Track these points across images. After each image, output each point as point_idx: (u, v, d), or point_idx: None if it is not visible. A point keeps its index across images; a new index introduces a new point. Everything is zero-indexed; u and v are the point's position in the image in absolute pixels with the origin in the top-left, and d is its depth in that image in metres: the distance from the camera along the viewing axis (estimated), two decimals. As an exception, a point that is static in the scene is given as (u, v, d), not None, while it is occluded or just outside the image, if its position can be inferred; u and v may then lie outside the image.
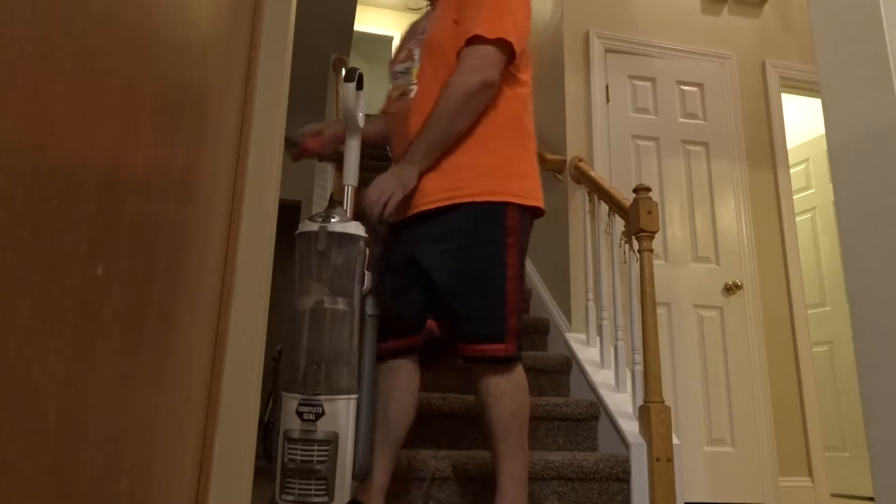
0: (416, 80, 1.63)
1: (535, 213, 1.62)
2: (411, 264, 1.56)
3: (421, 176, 1.56)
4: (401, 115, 1.65)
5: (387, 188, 1.51)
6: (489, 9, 1.56)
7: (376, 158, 4.24)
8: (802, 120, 4.29)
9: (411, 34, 1.78)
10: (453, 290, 1.52)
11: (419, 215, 1.57)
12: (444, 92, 1.53)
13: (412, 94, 1.62)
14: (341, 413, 1.28)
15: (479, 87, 1.53)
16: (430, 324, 1.61)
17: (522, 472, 1.54)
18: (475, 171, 1.55)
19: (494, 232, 1.53)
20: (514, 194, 1.56)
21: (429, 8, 1.80)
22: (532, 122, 1.68)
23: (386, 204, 1.50)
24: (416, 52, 1.67)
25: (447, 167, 1.56)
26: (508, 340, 1.52)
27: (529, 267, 3.45)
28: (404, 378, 1.61)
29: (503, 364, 1.53)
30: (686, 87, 3.31)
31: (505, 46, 1.55)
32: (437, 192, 1.55)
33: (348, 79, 1.49)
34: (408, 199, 1.57)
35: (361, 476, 1.32)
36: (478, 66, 1.53)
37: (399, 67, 1.73)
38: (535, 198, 1.60)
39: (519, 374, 1.56)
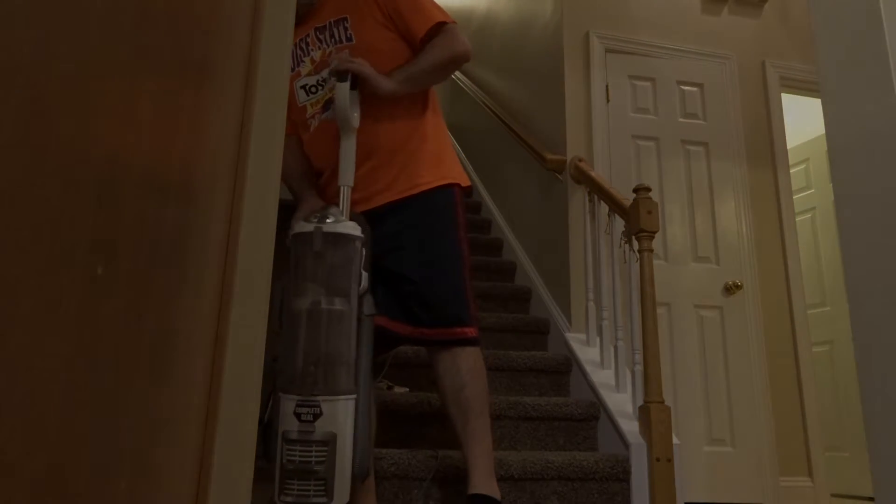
0: None
1: (466, 192, 1.80)
2: None
3: (375, 175, 1.65)
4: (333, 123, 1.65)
5: (363, 65, 1.55)
6: (430, 6, 1.69)
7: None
8: (802, 120, 4.28)
9: (303, 46, 1.75)
10: (428, 278, 1.62)
11: (376, 211, 1.63)
12: (436, 46, 1.65)
13: None
14: (339, 413, 1.28)
15: (465, 54, 1.68)
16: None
17: (491, 448, 1.66)
18: (424, 162, 1.69)
19: (450, 220, 1.68)
20: (456, 178, 1.74)
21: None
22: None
23: (353, 68, 1.54)
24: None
25: (398, 163, 1.66)
26: (474, 324, 1.65)
27: (530, 267, 3.45)
28: None
29: (475, 346, 1.65)
30: (686, 87, 3.31)
31: None
32: (393, 186, 1.65)
33: (342, 78, 1.49)
34: (364, 194, 1.63)
35: (362, 476, 1.32)
36: (462, 39, 1.68)
37: (309, 80, 1.71)
38: (465, 179, 1.78)
39: (482, 358, 1.68)
